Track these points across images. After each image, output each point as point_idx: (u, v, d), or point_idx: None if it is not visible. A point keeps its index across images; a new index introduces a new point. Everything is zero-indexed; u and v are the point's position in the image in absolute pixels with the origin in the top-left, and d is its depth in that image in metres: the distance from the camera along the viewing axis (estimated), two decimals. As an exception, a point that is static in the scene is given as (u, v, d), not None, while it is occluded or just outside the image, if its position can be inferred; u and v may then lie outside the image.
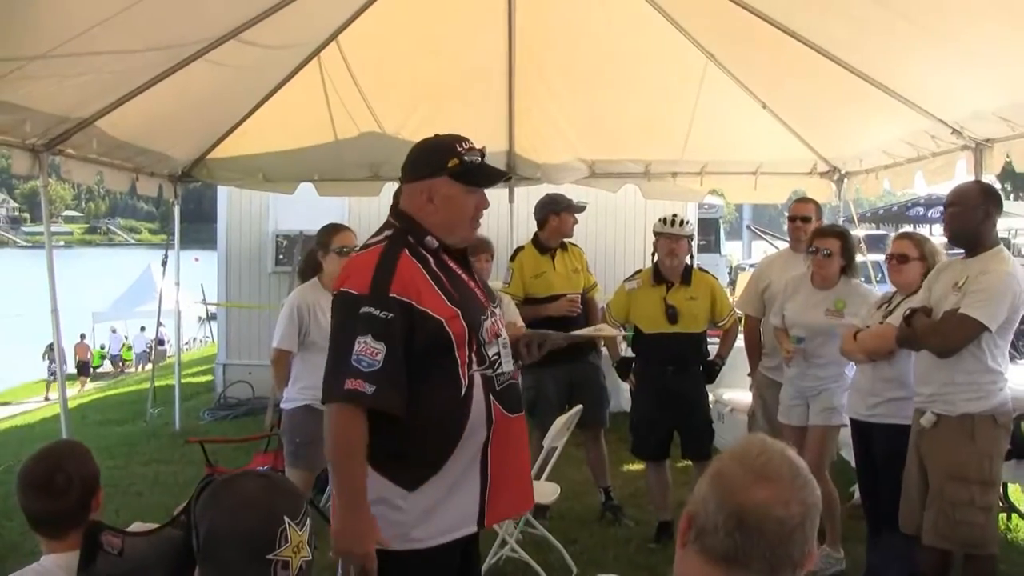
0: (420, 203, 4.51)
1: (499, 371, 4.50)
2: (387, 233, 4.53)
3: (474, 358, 4.38)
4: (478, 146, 4.56)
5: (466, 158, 4.46)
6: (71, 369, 38.17)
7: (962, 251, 6.49)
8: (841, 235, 8.02)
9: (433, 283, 4.36)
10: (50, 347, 37.73)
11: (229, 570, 2.55)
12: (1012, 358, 13.86)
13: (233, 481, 2.71)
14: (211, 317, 28.76)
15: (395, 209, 4.64)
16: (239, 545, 2.54)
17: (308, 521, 2.62)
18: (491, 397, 4.42)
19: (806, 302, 7.95)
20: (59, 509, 3.57)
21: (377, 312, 4.16)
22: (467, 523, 4.42)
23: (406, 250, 4.39)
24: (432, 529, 4.32)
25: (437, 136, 4.62)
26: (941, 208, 6.84)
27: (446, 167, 4.45)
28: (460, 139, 4.52)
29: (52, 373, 37.16)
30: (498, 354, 4.53)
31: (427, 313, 4.25)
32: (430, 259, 4.45)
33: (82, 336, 41.51)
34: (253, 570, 2.50)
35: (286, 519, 2.53)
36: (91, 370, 40.81)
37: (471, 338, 4.37)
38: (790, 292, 8.15)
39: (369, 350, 4.12)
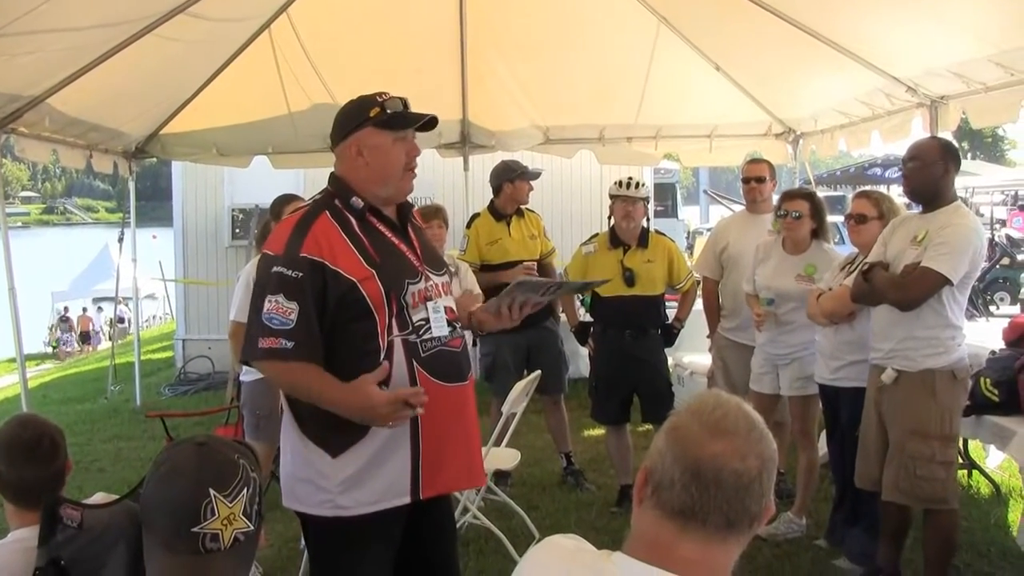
0: (350, 160, 4.54)
1: (424, 336, 4.46)
2: (315, 197, 4.58)
3: (394, 322, 4.37)
4: (399, 97, 4.58)
5: (387, 106, 4.48)
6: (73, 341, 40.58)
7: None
8: (810, 196, 7.96)
9: (351, 244, 4.36)
10: (61, 319, 40.17)
11: (162, 539, 2.53)
12: (972, 316, 13.96)
13: (173, 448, 2.69)
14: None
15: (330, 175, 4.66)
16: (166, 515, 2.52)
17: (247, 491, 2.57)
18: (414, 363, 4.39)
19: (777, 267, 7.90)
20: (47, 475, 3.54)
21: (287, 271, 4.20)
22: (398, 494, 4.39)
23: (326, 212, 4.41)
24: (359, 498, 4.32)
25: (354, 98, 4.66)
26: (899, 168, 6.84)
27: (369, 117, 4.48)
28: (379, 93, 4.55)
29: (65, 343, 38.25)
30: (425, 319, 4.49)
31: (339, 273, 4.25)
32: (352, 221, 4.45)
33: (84, 309, 43.14)
34: (182, 540, 2.48)
35: (212, 491, 2.48)
36: (91, 339, 41.97)
37: (391, 301, 4.35)
38: (761, 257, 8.08)
39: (280, 309, 4.16)
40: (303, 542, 7.49)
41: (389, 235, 4.58)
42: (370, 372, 4.26)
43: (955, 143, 6.76)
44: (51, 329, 40.68)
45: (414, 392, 4.20)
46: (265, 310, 4.17)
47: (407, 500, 4.42)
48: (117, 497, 3.25)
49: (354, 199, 4.48)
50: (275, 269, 4.22)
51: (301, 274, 4.20)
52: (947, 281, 6.03)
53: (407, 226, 4.74)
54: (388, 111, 4.48)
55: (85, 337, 41.45)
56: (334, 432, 4.28)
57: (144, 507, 2.61)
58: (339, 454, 4.26)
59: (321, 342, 4.24)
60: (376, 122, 4.48)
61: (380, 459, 4.32)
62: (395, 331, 4.37)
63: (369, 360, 4.31)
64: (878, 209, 7.04)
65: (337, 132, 4.61)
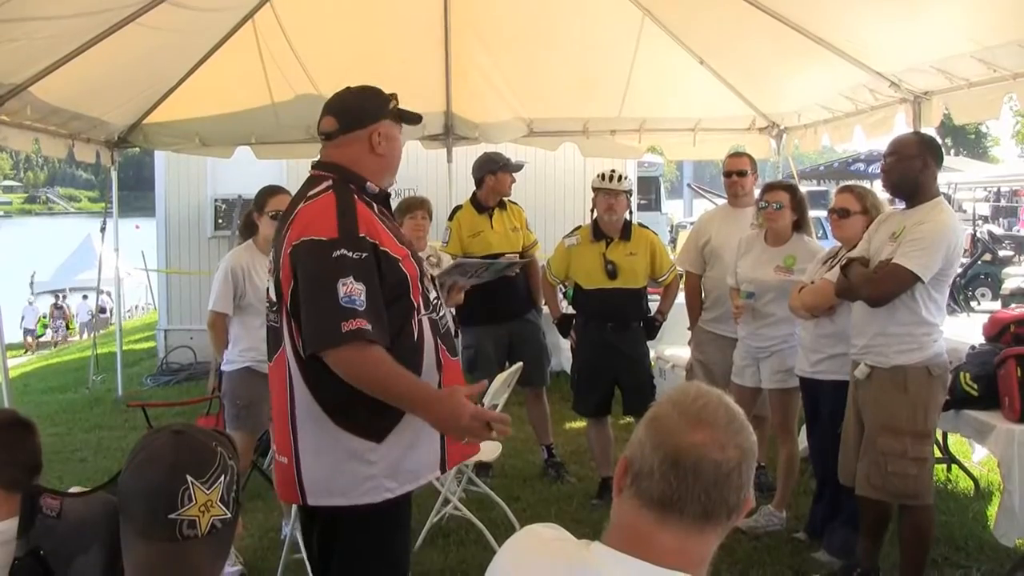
0: (364, 148, 4.55)
1: (441, 315, 4.60)
2: (327, 183, 4.50)
3: (420, 302, 4.44)
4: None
5: (399, 102, 4.61)
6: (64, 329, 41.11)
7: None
8: (790, 188, 7.99)
9: (384, 225, 4.41)
10: (55, 307, 40.68)
11: (139, 526, 2.52)
12: (953, 311, 13.88)
13: (150, 436, 2.68)
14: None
15: (322, 163, 4.65)
16: (143, 502, 2.50)
17: (224, 478, 2.56)
18: (438, 340, 4.49)
19: (758, 259, 7.92)
20: (16, 461, 3.54)
21: (351, 253, 4.15)
22: (432, 468, 4.51)
23: (355, 196, 4.42)
24: (402, 477, 4.35)
25: (359, 86, 4.70)
26: (880, 163, 6.84)
27: (389, 109, 4.57)
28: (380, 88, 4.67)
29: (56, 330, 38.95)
30: (438, 298, 4.63)
31: (388, 252, 4.28)
32: (374, 204, 4.49)
33: (62, 297, 42.85)
34: (159, 527, 2.47)
35: (189, 478, 2.47)
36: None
37: (422, 280, 4.46)
38: (743, 250, 8.10)
39: (354, 290, 4.10)
40: (284, 531, 7.57)
41: (393, 221, 4.67)
42: (407, 352, 4.33)
43: (938, 139, 6.78)
44: (46, 315, 40.91)
45: (500, 417, 4.25)
46: (343, 293, 4.08)
47: (438, 473, 4.59)
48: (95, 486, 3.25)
49: (369, 184, 4.53)
50: (338, 252, 4.15)
51: (366, 254, 4.19)
52: (917, 278, 6.04)
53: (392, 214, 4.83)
54: (400, 106, 4.61)
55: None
56: (375, 417, 4.28)
57: (121, 495, 2.60)
58: (384, 438, 4.28)
59: (387, 325, 4.22)
60: (395, 116, 4.60)
61: (418, 436, 4.36)
62: (422, 310, 4.45)
63: (408, 340, 4.36)
64: (861, 204, 7.05)
65: (352, 119, 4.59)
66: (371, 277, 4.17)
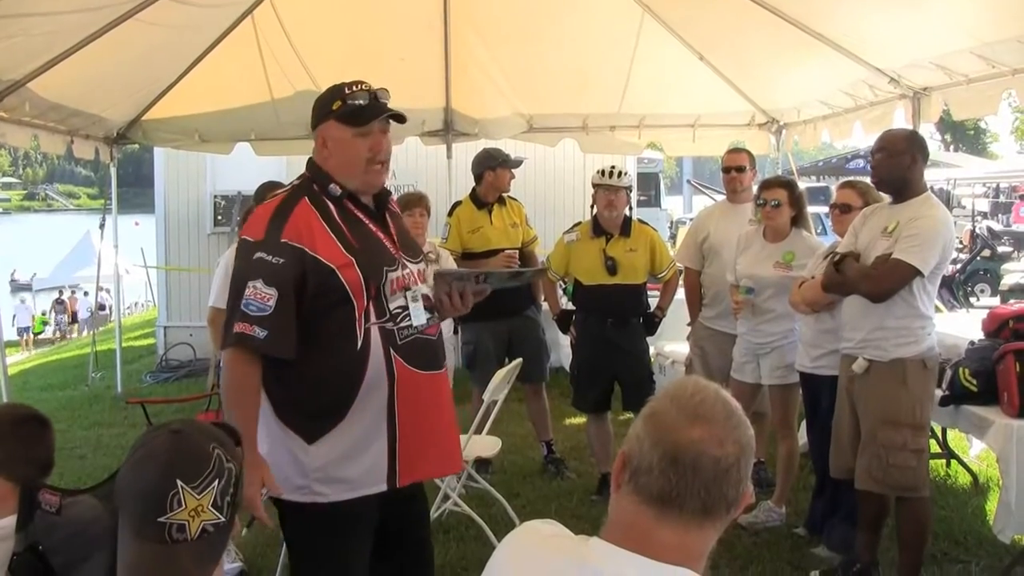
0: (319, 150, 4.57)
1: (402, 324, 4.50)
2: (294, 183, 4.60)
3: (372, 310, 4.40)
4: (375, 87, 4.57)
5: (350, 100, 4.47)
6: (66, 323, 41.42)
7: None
8: (788, 185, 7.97)
9: (330, 231, 4.38)
10: (57, 301, 40.72)
11: (132, 523, 2.51)
12: (952, 307, 13.86)
13: (151, 432, 2.66)
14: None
15: (308, 161, 4.68)
16: (135, 501, 2.49)
17: (218, 482, 2.52)
18: (391, 351, 4.42)
19: (757, 255, 7.89)
20: (28, 456, 3.55)
21: (269, 257, 4.21)
22: (375, 482, 4.44)
23: (306, 198, 4.43)
24: (337, 485, 4.35)
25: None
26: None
27: (331, 111, 4.50)
28: (352, 83, 4.55)
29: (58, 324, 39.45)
30: (403, 307, 4.52)
31: (319, 260, 4.27)
32: (332, 207, 4.47)
33: (72, 291, 42.89)
34: (149, 528, 2.46)
35: (179, 483, 2.44)
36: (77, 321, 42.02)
37: (369, 288, 4.38)
38: (743, 246, 8.07)
39: (259, 295, 4.17)
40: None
41: (367, 222, 4.59)
42: (348, 360, 4.34)
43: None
44: (46, 312, 40.94)
45: (261, 518, 4.27)
46: (245, 295, 4.17)
47: (384, 487, 4.46)
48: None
49: (332, 186, 4.49)
50: (257, 255, 4.22)
51: (283, 260, 4.21)
52: (918, 273, 6.09)
53: (384, 212, 4.75)
54: (349, 103, 4.48)
55: (73, 317, 41.62)
56: (309, 419, 4.33)
57: (118, 489, 2.59)
58: (315, 440, 4.29)
59: (295, 332, 4.25)
60: (337, 116, 4.50)
61: (357, 447, 4.35)
62: (372, 318, 4.39)
63: (349, 347, 4.33)
64: (863, 200, 7.07)
65: (311, 121, 4.63)
66: (285, 283, 4.21)
